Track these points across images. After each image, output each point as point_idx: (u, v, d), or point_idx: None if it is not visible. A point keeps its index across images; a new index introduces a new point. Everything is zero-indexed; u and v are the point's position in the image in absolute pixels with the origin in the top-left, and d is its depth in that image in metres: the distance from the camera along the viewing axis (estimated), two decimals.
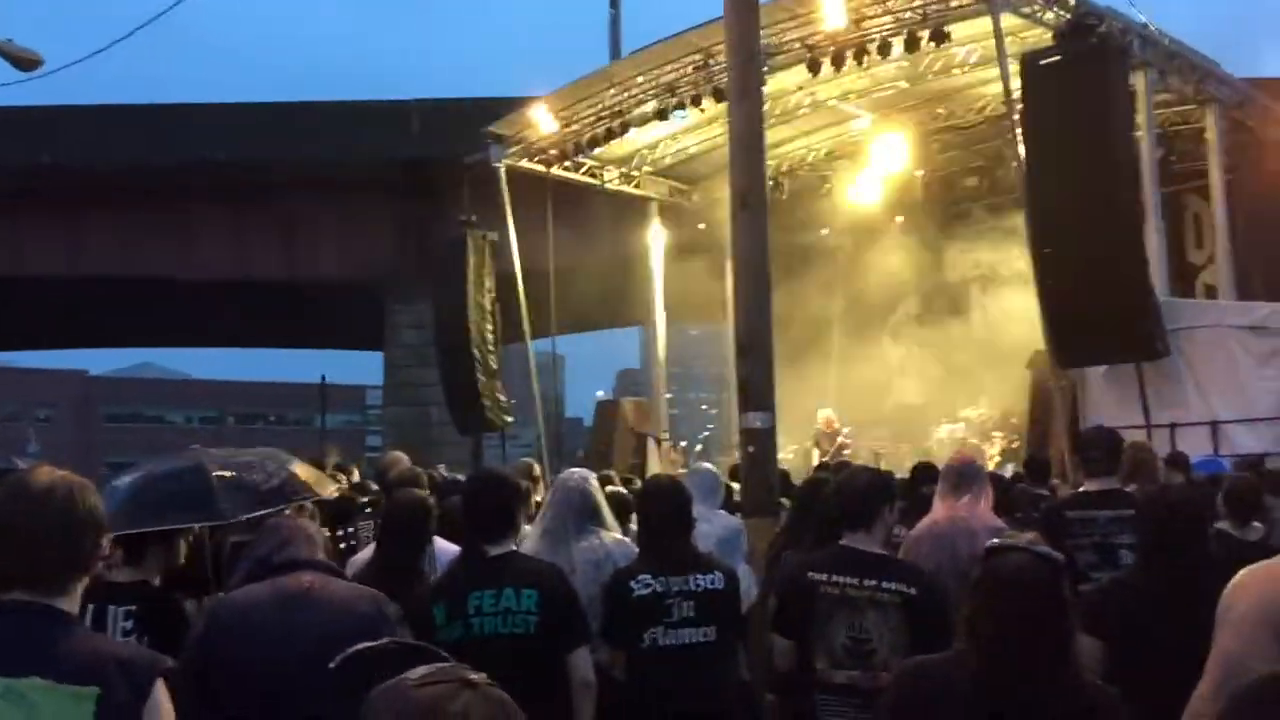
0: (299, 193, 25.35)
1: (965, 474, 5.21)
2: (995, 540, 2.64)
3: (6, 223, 25.22)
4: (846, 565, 3.95)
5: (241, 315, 32.41)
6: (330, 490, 4.74)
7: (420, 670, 1.36)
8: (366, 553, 4.44)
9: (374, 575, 3.95)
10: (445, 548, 4.37)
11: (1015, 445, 14.48)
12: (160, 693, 2.17)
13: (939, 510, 5.15)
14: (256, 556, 3.36)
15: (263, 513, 3.92)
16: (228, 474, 4.08)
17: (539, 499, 6.33)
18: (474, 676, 1.35)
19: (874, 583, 3.89)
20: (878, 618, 3.84)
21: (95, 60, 15.41)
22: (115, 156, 23.78)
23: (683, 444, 19.06)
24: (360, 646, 1.57)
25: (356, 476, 7.21)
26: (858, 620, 3.86)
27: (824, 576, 3.95)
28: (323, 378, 45.05)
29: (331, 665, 1.51)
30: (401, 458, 6.82)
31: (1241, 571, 2.69)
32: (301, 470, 4.23)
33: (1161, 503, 3.83)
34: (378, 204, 25.73)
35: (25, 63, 15.28)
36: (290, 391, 63.04)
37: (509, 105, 17.47)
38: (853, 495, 4.12)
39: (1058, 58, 10.95)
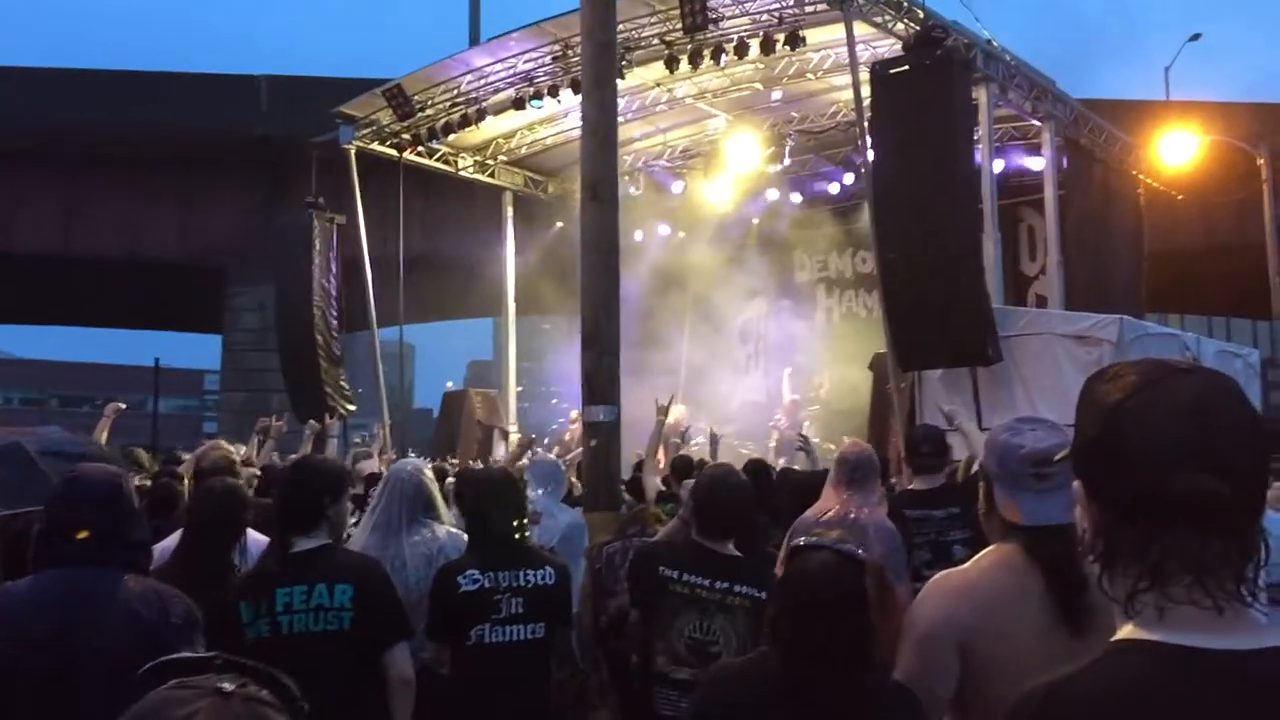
0: (136, 165, 24.21)
1: (860, 466, 5.06)
2: (800, 539, 2.62)
3: None
4: (700, 564, 3.86)
5: (72, 292, 30.78)
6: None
7: (175, 681, 1.25)
8: (173, 539, 4.16)
9: (178, 567, 3.70)
10: (258, 540, 4.13)
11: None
12: None
13: (829, 499, 5.02)
14: (59, 533, 3.04)
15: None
16: (49, 455, 3.78)
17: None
18: (228, 686, 1.23)
19: (726, 585, 3.81)
20: (726, 621, 3.78)
21: None
22: None
23: (532, 437, 18.88)
24: (148, 667, 1.43)
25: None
26: (705, 622, 3.79)
27: (675, 574, 3.86)
28: (156, 360, 43.18)
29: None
30: (218, 445, 6.47)
31: (929, 583, 2.71)
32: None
33: None
34: (221, 181, 24.77)
35: None
36: (121, 374, 60.21)
37: (362, 86, 17.02)
38: (732, 507, 3.97)
39: (905, 68, 11.22)
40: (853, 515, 4.83)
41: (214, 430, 32.47)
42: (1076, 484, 1.41)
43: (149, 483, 6.16)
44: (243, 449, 7.55)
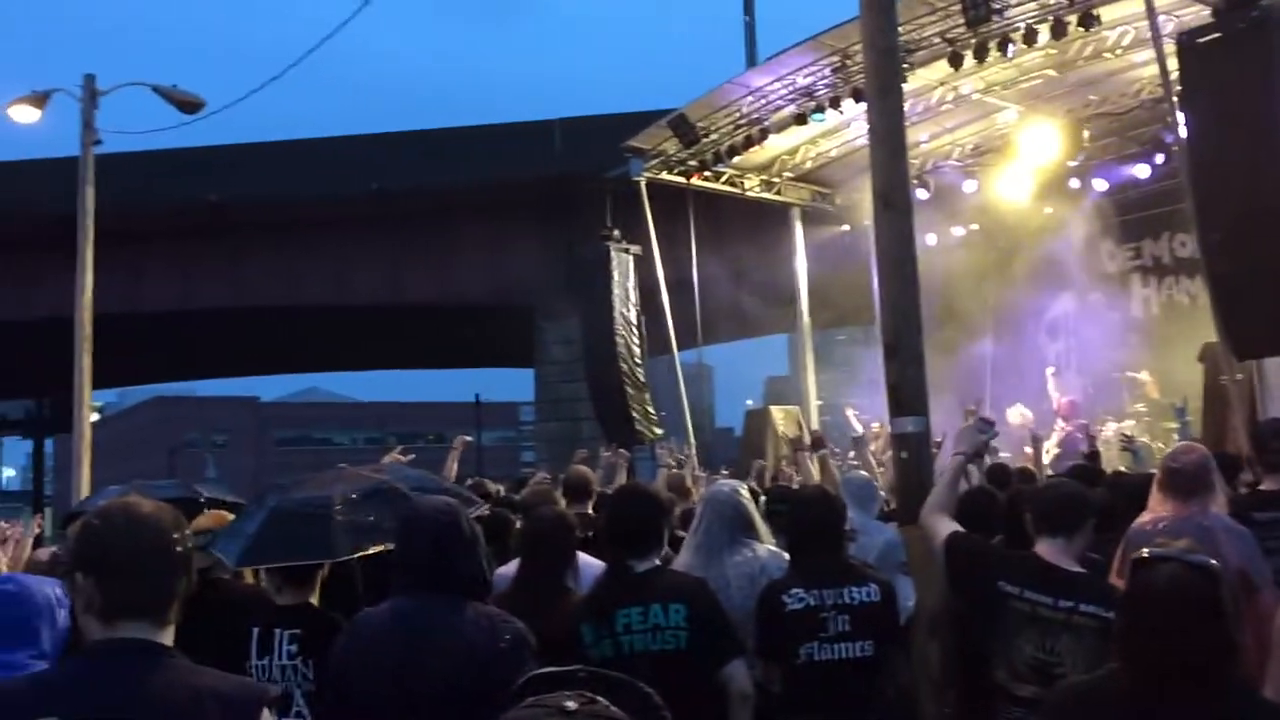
0: (448, 216, 26.07)
1: (1196, 476, 4.60)
2: (1145, 550, 2.48)
3: (178, 259, 26.66)
4: (1041, 582, 3.67)
5: (398, 338, 33.44)
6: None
7: (528, 701, 1.38)
8: (511, 566, 4.44)
9: (517, 593, 3.95)
10: (588, 562, 4.34)
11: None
12: None
13: (1160, 505, 4.64)
14: (406, 564, 3.32)
15: (373, 550, 3.91)
16: (354, 501, 4.09)
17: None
18: (572, 705, 1.34)
19: (1070, 604, 3.62)
20: (1071, 641, 3.59)
21: (249, 100, 16.15)
22: (275, 191, 24.88)
23: (835, 450, 18.72)
24: (522, 681, 1.58)
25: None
26: (1049, 642, 3.60)
27: (1015, 590, 3.69)
28: (477, 396, 46.17)
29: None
30: (579, 470, 6.80)
31: None
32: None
33: None
34: (523, 223, 26.25)
35: (189, 106, 16.09)
36: (447, 411, 64.74)
37: (648, 119, 17.58)
38: (1056, 499, 3.81)
39: (1216, 35, 10.37)
40: (1197, 519, 4.47)
41: (532, 459, 34.26)
42: None
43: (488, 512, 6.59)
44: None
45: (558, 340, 25.41)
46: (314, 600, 3.92)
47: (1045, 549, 3.74)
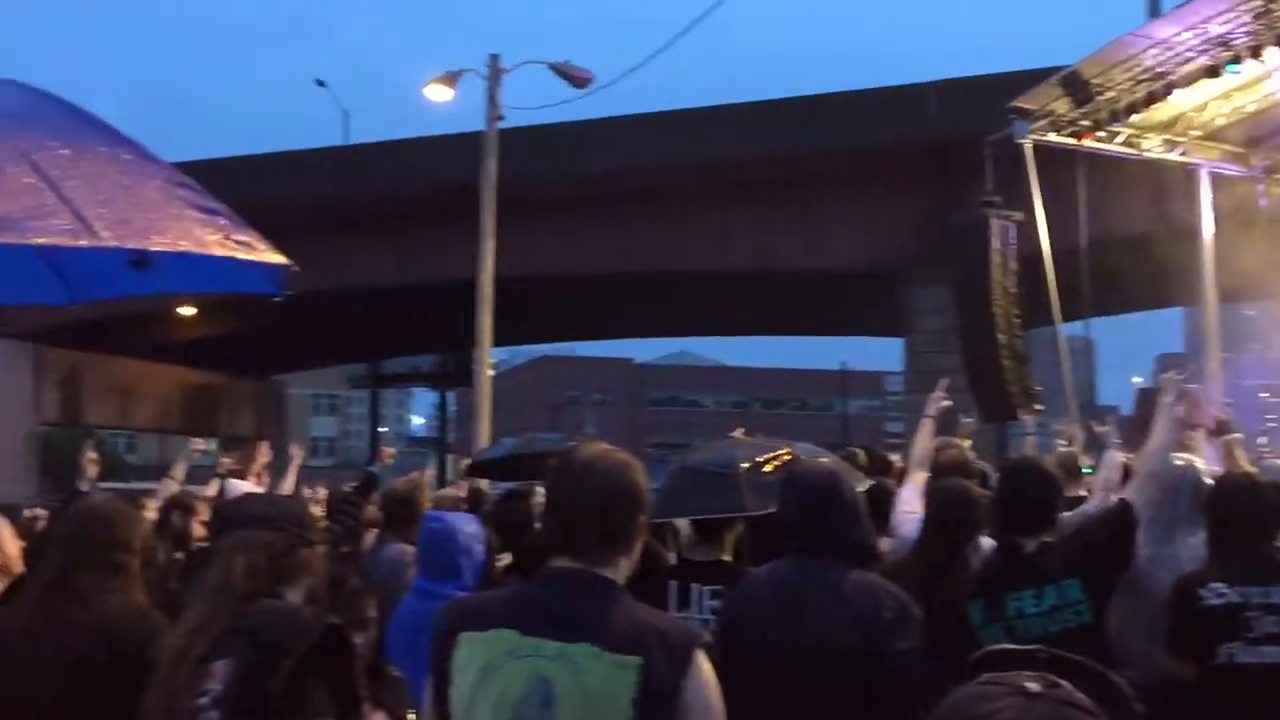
0: (818, 183, 26.02)
1: None
2: None
3: (567, 226, 28.36)
4: None
5: (766, 304, 33.85)
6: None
7: (987, 676, 1.33)
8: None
9: (912, 567, 3.88)
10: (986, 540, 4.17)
11: None
12: (701, 664, 2.21)
13: None
14: (788, 527, 3.36)
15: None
16: (758, 464, 4.20)
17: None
18: (1035, 687, 1.27)
19: None
20: None
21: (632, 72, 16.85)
22: (658, 160, 25.84)
23: (1239, 436, 17.04)
24: (975, 656, 1.56)
25: None
26: None
27: None
28: (842, 364, 46.01)
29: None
30: (951, 443, 6.67)
31: None
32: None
33: None
34: (896, 189, 25.75)
35: (580, 80, 17.03)
36: (811, 378, 65.08)
37: (1032, 78, 16.61)
38: None
39: None
40: None
41: (898, 429, 33.73)
42: None
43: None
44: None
45: (929, 309, 24.76)
46: (727, 558, 4.02)
47: None
